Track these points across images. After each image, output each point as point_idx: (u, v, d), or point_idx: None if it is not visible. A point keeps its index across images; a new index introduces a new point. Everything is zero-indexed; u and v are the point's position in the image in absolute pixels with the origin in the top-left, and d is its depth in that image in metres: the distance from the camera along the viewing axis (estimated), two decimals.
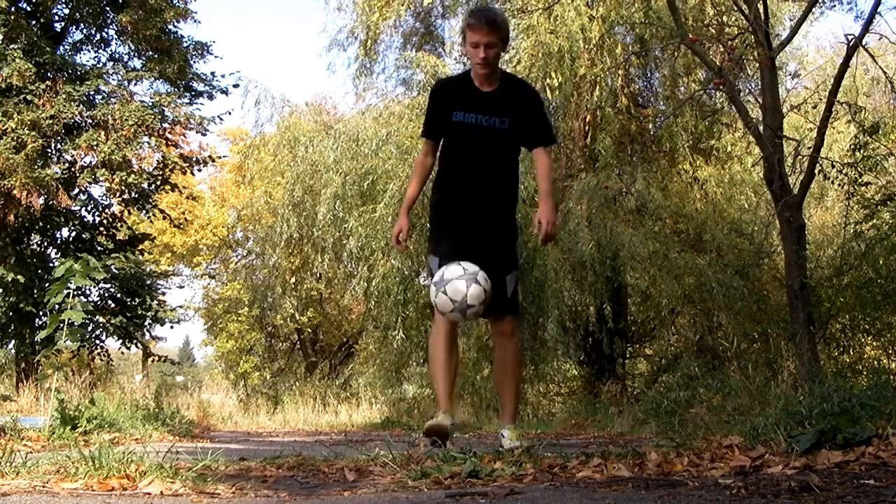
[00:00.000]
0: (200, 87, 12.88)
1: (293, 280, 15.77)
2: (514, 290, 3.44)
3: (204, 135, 12.94)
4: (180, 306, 17.69)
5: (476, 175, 3.38)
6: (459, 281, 3.12)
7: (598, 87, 10.89)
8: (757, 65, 8.03)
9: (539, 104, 3.53)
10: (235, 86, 13.04)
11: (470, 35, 3.33)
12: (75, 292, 5.74)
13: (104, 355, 12.68)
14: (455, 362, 3.48)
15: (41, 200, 10.90)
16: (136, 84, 12.47)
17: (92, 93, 11.70)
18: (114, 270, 12.18)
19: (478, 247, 3.35)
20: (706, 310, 10.68)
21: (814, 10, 8.25)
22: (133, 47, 12.86)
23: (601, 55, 10.90)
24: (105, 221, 12.68)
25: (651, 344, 12.82)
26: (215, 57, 24.85)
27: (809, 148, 7.44)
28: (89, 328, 11.74)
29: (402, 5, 11.86)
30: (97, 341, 12.37)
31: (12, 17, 11.07)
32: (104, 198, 12.68)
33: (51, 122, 10.85)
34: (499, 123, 3.35)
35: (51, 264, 11.77)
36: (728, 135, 11.44)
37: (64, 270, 5.61)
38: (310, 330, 19.38)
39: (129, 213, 12.88)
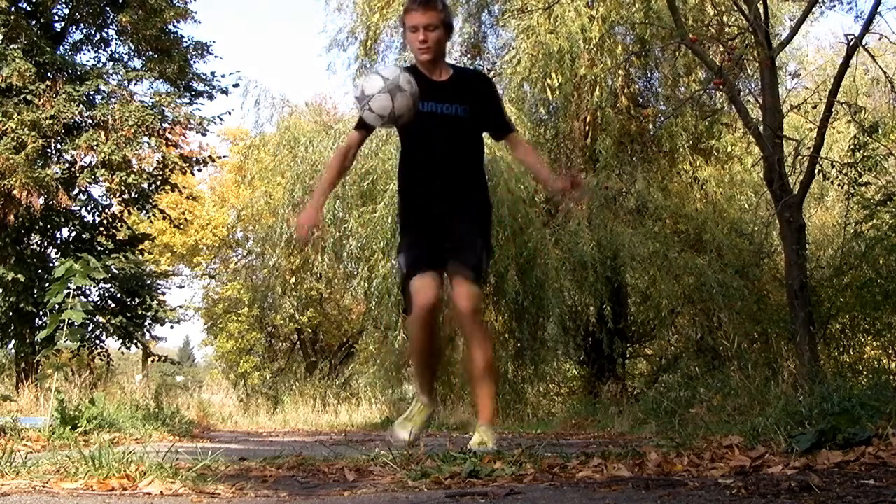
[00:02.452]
0: (200, 87, 12.88)
1: (293, 280, 15.76)
2: (482, 260, 3.25)
3: (204, 135, 12.96)
4: (180, 306, 17.71)
5: (440, 163, 3.23)
6: (383, 95, 2.97)
7: (598, 88, 10.89)
8: (757, 65, 8.03)
9: (496, 92, 3.43)
10: (235, 86, 13.05)
11: (407, 20, 3.19)
12: (75, 292, 5.74)
13: (104, 355, 12.68)
14: (437, 348, 3.36)
15: (41, 200, 10.90)
16: (136, 84, 12.49)
17: (92, 93, 11.70)
18: (114, 270, 12.17)
19: (447, 233, 3.21)
20: (706, 310, 10.68)
21: (814, 10, 8.26)
22: (133, 47, 12.87)
23: (601, 55, 10.90)
24: (105, 221, 12.67)
25: (651, 344, 12.82)
26: (215, 57, 24.90)
27: (809, 148, 7.45)
28: (89, 328, 11.74)
29: (402, 5, 11.87)
30: (97, 341, 12.37)
31: (12, 17, 11.07)
32: (104, 198, 12.69)
33: (51, 122, 10.85)
34: (459, 111, 3.23)
35: (51, 264, 11.77)
36: (728, 135, 11.44)
37: (64, 270, 5.61)
38: (310, 330, 19.38)
39: (129, 213, 12.88)
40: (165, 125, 12.13)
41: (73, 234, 12.40)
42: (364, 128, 3.33)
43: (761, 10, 7.39)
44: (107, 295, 12.74)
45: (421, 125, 3.19)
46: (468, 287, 3.16)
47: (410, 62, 3.33)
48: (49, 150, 11.59)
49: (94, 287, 11.99)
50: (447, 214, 3.22)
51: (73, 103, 11.03)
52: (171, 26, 12.44)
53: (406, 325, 3.27)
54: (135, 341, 13.31)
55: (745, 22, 7.64)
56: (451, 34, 3.34)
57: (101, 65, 12.71)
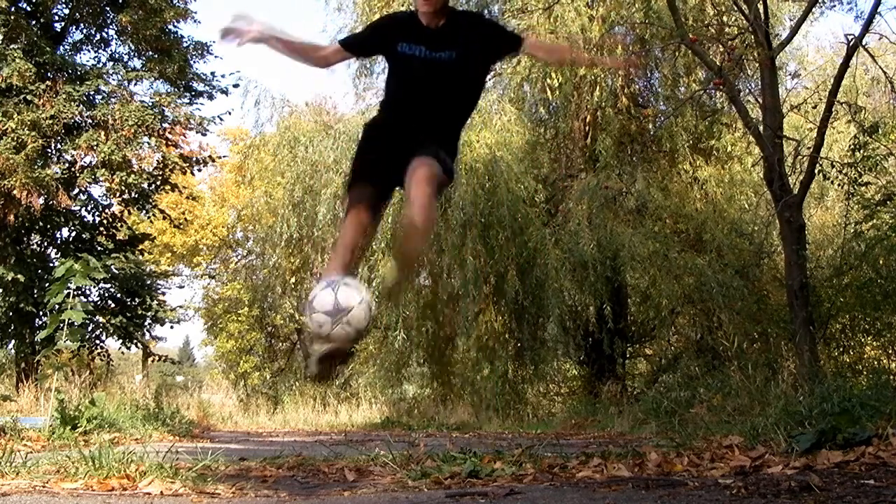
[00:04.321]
0: (200, 87, 12.88)
1: (293, 280, 15.75)
2: (448, 160, 3.08)
3: (204, 135, 12.95)
4: (180, 306, 17.71)
5: (417, 107, 3.14)
6: (324, 316, 2.70)
7: (598, 88, 10.89)
8: (757, 65, 8.04)
9: (491, 22, 3.35)
10: (235, 86, 13.05)
11: None
12: (75, 292, 5.74)
13: (104, 355, 12.67)
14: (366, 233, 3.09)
15: (41, 200, 10.89)
16: (136, 84, 12.48)
17: (92, 93, 11.69)
18: (114, 270, 12.17)
19: (407, 144, 3.03)
20: (706, 310, 10.68)
21: (814, 10, 8.26)
22: (133, 47, 12.86)
23: (601, 55, 10.90)
24: (105, 221, 12.67)
25: (651, 344, 12.81)
26: (215, 57, 24.95)
27: (809, 148, 7.45)
28: (89, 328, 11.73)
29: (403, 6, 11.87)
30: (97, 341, 12.36)
31: (12, 17, 11.07)
32: (104, 198, 12.68)
33: (51, 122, 10.84)
34: (445, 56, 3.15)
35: (51, 264, 11.76)
36: (728, 135, 11.44)
37: (64, 270, 5.61)
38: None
39: (129, 213, 12.87)
40: (165, 125, 12.13)
41: (73, 234, 12.39)
42: (349, 44, 3.26)
43: (761, 10, 7.39)
44: (107, 295, 12.73)
45: (409, 68, 3.16)
46: (429, 164, 2.96)
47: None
48: (49, 150, 11.58)
49: (94, 287, 11.98)
50: (411, 135, 3.06)
51: (73, 103, 11.02)
52: (171, 26, 12.43)
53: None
54: (135, 341, 13.30)
55: (745, 22, 7.64)
56: None
57: (101, 65, 12.71)
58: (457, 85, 3.25)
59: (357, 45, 3.34)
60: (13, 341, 12.22)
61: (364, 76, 12.86)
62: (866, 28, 7.16)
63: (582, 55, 3.31)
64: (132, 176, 11.51)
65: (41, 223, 11.77)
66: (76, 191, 11.99)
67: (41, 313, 11.52)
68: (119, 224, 12.79)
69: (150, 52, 12.56)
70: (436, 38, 3.19)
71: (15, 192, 10.45)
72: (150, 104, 11.90)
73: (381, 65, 12.89)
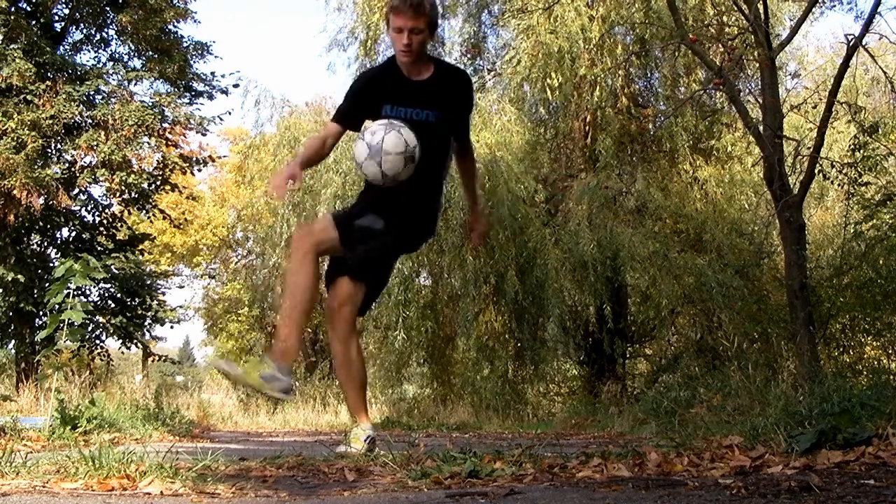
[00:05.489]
0: (200, 87, 12.87)
1: None
2: (364, 260, 3.27)
3: (204, 135, 12.94)
4: (180, 306, 17.70)
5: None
6: (379, 127, 3.02)
7: (598, 88, 10.90)
8: (757, 65, 8.04)
9: (472, 99, 3.40)
10: (235, 86, 13.05)
11: (393, 19, 3.13)
12: (75, 292, 5.73)
13: (104, 355, 12.67)
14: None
15: (41, 200, 10.89)
16: (136, 84, 12.48)
17: (92, 93, 11.69)
18: (114, 270, 12.17)
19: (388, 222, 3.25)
20: (706, 310, 10.69)
21: (814, 10, 8.26)
22: (133, 47, 12.86)
23: (601, 55, 10.91)
24: (105, 221, 12.67)
25: (651, 344, 12.82)
26: (215, 57, 24.91)
27: (809, 148, 7.46)
28: (89, 328, 11.73)
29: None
30: (97, 341, 12.36)
31: (12, 17, 11.07)
32: (104, 198, 12.68)
33: (51, 122, 10.84)
34: (431, 117, 3.20)
35: (51, 264, 11.77)
36: (728, 135, 11.45)
37: (64, 270, 5.60)
38: (310, 330, 19.37)
39: (129, 213, 12.87)
40: (165, 125, 12.12)
41: (73, 234, 12.39)
42: (343, 121, 3.37)
43: (761, 10, 7.39)
44: (107, 295, 12.73)
45: None
46: (340, 285, 3.27)
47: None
48: (49, 150, 11.57)
49: (94, 287, 11.99)
50: (389, 209, 3.24)
51: (73, 103, 11.02)
52: (171, 26, 12.42)
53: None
54: (135, 341, 13.30)
55: (745, 22, 7.65)
56: (434, 33, 3.30)
57: (101, 65, 12.70)
58: (438, 145, 3.28)
59: (350, 120, 3.39)
60: (13, 341, 12.21)
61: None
62: (866, 28, 7.17)
63: (476, 206, 3.58)
64: (132, 176, 11.50)
65: (41, 223, 11.77)
66: (76, 191, 11.98)
67: (41, 313, 11.51)
68: (119, 224, 12.79)
69: (150, 52, 12.56)
70: (420, 94, 3.21)
71: (15, 192, 10.45)
72: (150, 104, 11.90)
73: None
